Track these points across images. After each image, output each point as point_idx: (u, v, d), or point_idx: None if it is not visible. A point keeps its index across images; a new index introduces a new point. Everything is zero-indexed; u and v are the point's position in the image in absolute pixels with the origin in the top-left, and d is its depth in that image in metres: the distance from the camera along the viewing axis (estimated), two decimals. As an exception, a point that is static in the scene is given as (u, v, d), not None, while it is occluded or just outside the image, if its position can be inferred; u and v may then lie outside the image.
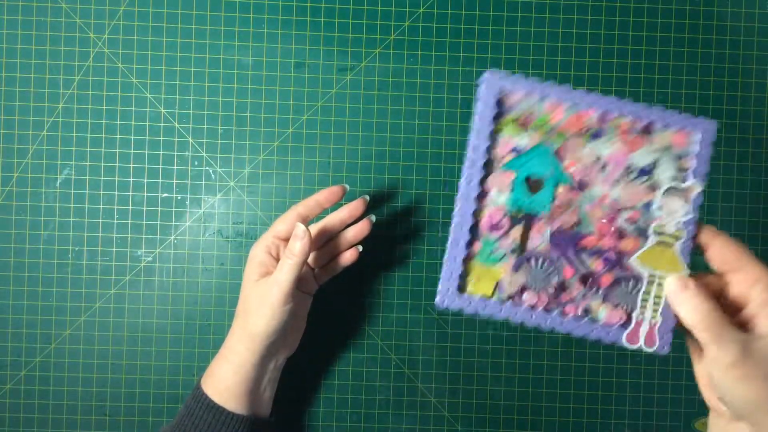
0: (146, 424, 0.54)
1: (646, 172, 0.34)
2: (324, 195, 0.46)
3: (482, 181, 0.34)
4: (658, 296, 0.34)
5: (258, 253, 0.45)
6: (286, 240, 0.45)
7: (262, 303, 0.43)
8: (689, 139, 0.34)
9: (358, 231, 0.48)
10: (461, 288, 0.34)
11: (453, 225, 0.34)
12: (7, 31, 0.53)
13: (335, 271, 0.49)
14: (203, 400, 0.45)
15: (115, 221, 0.54)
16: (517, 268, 0.34)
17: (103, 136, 0.53)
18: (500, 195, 0.34)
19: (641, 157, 0.34)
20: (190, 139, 0.54)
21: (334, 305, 0.53)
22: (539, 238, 0.34)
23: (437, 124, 0.54)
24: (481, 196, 0.34)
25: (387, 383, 0.54)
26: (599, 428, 0.54)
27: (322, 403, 0.54)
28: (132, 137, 0.54)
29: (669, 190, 0.34)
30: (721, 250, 0.34)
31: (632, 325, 0.34)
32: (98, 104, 0.53)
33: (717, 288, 0.35)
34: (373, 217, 0.49)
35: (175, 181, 0.54)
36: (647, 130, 0.34)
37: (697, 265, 0.35)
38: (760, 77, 0.54)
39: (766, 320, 0.32)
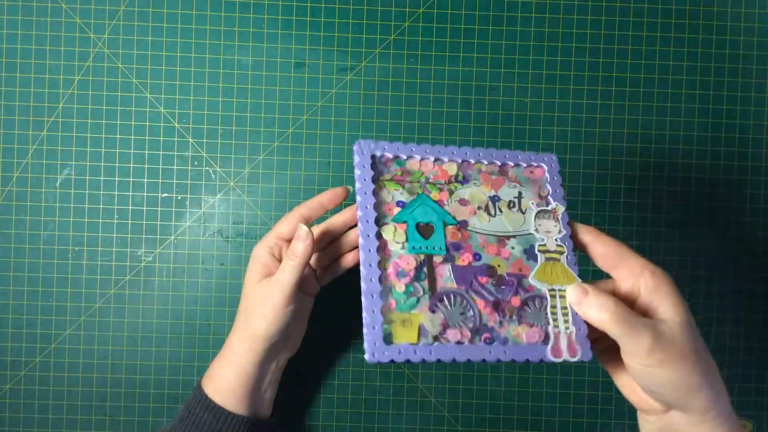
0: (146, 424, 0.54)
1: (515, 204, 0.39)
2: (327, 196, 0.45)
3: (378, 234, 0.37)
4: (564, 307, 0.36)
5: (260, 253, 0.45)
6: (289, 241, 0.45)
7: (264, 304, 0.43)
8: (542, 170, 0.41)
9: None
10: (387, 339, 0.35)
11: (362, 278, 0.35)
12: (7, 31, 0.53)
13: (337, 272, 0.49)
14: (204, 401, 0.45)
15: (115, 221, 0.54)
16: (433, 309, 0.36)
17: (103, 136, 0.53)
18: (398, 245, 0.37)
19: (505, 193, 0.40)
20: (190, 139, 0.54)
21: (334, 305, 0.53)
22: (444, 277, 0.37)
23: (437, 124, 0.54)
24: (381, 248, 0.36)
25: (387, 383, 0.54)
26: (599, 428, 0.54)
27: (322, 403, 0.54)
28: (132, 137, 0.54)
29: (539, 214, 0.39)
30: (602, 248, 0.37)
31: (552, 340, 0.36)
32: (98, 104, 0.53)
33: (609, 291, 0.36)
34: None
35: (175, 181, 0.54)
36: (503, 171, 0.40)
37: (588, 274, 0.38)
38: (760, 77, 0.54)
39: (660, 304, 0.34)
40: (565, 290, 0.36)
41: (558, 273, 0.37)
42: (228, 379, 0.45)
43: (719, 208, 0.54)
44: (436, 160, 0.40)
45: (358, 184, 0.38)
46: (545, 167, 0.41)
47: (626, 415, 0.54)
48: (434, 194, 0.39)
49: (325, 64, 0.54)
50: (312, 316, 0.49)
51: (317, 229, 0.47)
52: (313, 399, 0.54)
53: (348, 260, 0.49)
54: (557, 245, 0.38)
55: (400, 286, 0.36)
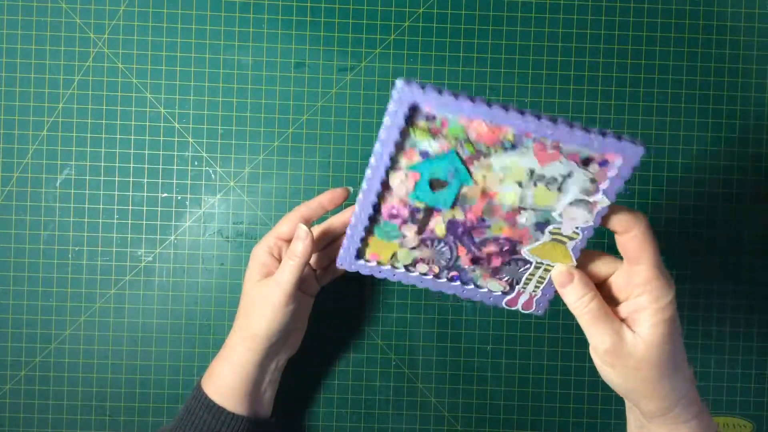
0: (146, 424, 0.54)
1: (556, 181, 0.34)
2: (327, 197, 0.46)
3: (388, 175, 0.35)
4: (542, 277, 0.37)
5: (260, 253, 0.45)
6: (288, 241, 0.45)
7: (264, 304, 0.43)
8: (614, 159, 0.33)
9: None
10: (360, 254, 0.38)
11: (359, 198, 0.36)
12: (7, 31, 0.53)
13: (337, 273, 0.49)
14: (203, 401, 0.45)
15: (115, 221, 0.54)
16: (412, 248, 0.37)
17: (103, 136, 0.53)
18: (403, 189, 0.35)
19: (553, 169, 0.34)
20: (190, 139, 0.54)
21: (334, 305, 0.53)
22: (436, 226, 0.36)
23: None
24: (385, 186, 0.35)
25: (387, 383, 0.54)
26: (599, 428, 0.54)
27: (322, 403, 0.54)
28: (132, 137, 0.54)
29: (576, 202, 0.34)
30: (631, 241, 0.34)
31: (513, 293, 0.38)
32: (98, 104, 0.53)
33: (605, 272, 0.37)
34: None
35: (175, 181, 0.54)
36: (566, 147, 0.33)
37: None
38: (760, 77, 0.54)
39: (642, 319, 0.34)
40: (552, 266, 0.36)
41: (557, 252, 0.36)
42: (228, 379, 0.45)
43: (719, 208, 0.54)
44: (491, 121, 0.33)
45: (384, 125, 0.33)
46: (620, 158, 0.33)
47: (626, 415, 0.54)
48: (468, 154, 0.34)
49: (325, 64, 0.54)
50: (312, 316, 0.49)
51: (317, 230, 0.47)
52: (313, 399, 0.54)
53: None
54: (574, 232, 0.35)
55: (387, 225, 0.37)
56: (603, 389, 0.54)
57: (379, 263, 0.38)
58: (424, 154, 0.34)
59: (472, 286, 0.38)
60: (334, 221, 0.47)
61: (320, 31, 0.54)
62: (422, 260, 0.38)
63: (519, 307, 0.38)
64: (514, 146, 0.33)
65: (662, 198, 0.54)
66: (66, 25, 0.53)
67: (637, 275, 0.35)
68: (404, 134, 0.33)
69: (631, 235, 0.34)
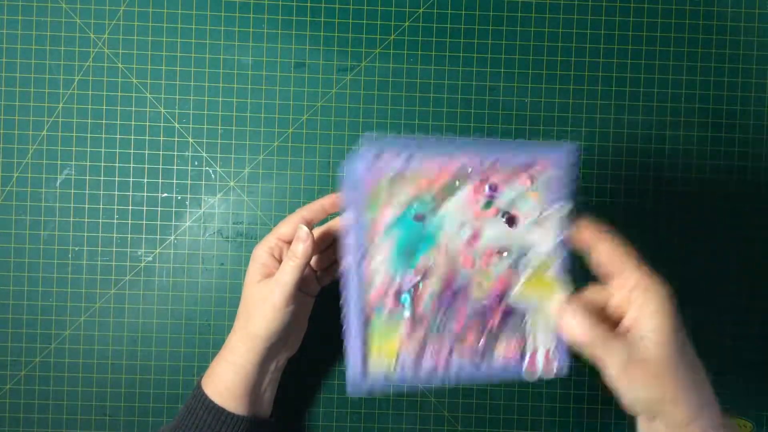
0: (146, 424, 0.54)
1: (511, 208, 0.35)
2: (329, 201, 0.45)
3: (360, 264, 0.36)
4: (545, 323, 0.36)
5: (260, 254, 0.45)
6: (289, 242, 0.45)
7: (264, 304, 0.43)
8: (553, 164, 0.35)
9: None
10: (365, 372, 0.36)
11: (345, 313, 0.36)
12: (7, 31, 0.53)
13: (337, 274, 0.49)
14: (203, 401, 0.45)
15: (115, 221, 0.54)
16: (412, 330, 0.36)
17: (103, 136, 0.53)
18: (381, 269, 0.36)
19: (505, 195, 0.35)
20: (190, 139, 0.54)
21: (334, 305, 0.53)
22: (425, 299, 0.36)
23: (437, 124, 0.54)
24: (365, 276, 0.36)
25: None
26: (599, 428, 0.54)
27: (322, 403, 0.54)
28: (132, 137, 0.54)
29: (537, 219, 0.35)
30: (603, 256, 0.35)
31: (528, 356, 0.36)
32: (98, 104, 0.53)
33: (602, 298, 0.36)
34: None
35: (175, 181, 0.54)
36: (510, 167, 0.35)
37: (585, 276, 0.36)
38: (760, 77, 0.54)
39: (644, 322, 0.34)
40: (547, 305, 0.36)
41: (545, 284, 0.36)
42: (228, 379, 0.45)
43: (719, 208, 0.54)
44: (435, 162, 0.35)
45: (345, 208, 0.36)
46: (558, 160, 0.35)
47: (626, 415, 0.54)
48: (423, 208, 0.36)
49: (325, 64, 0.54)
50: (312, 316, 0.49)
51: (318, 231, 0.47)
52: (313, 399, 0.54)
53: None
54: (549, 254, 0.36)
55: (379, 314, 0.36)
56: (603, 389, 0.54)
57: (386, 374, 0.36)
58: (387, 222, 0.36)
59: (485, 365, 0.36)
60: (335, 223, 0.47)
61: (320, 31, 0.54)
62: (426, 345, 0.37)
63: (540, 370, 0.36)
64: (460, 186, 0.35)
65: (662, 198, 0.54)
66: (66, 25, 0.53)
67: (626, 284, 0.35)
68: (367, 207, 0.35)
69: (601, 248, 0.35)
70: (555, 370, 0.36)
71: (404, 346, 0.36)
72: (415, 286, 0.36)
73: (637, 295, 0.34)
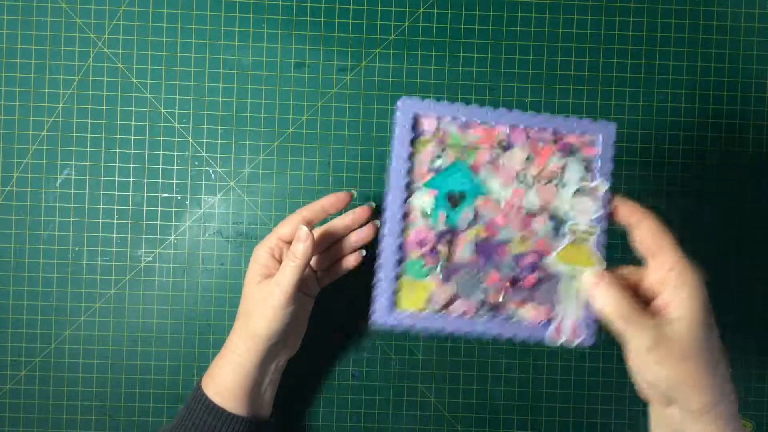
0: (146, 424, 0.54)
1: (556, 176, 0.37)
2: (330, 201, 0.45)
3: (406, 200, 0.37)
4: (577, 291, 0.36)
5: (261, 254, 0.45)
6: (289, 242, 0.45)
7: (264, 304, 0.43)
8: (593, 141, 0.37)
9: (362, 235, 0.48)
10: (394, 304, 0.37)
11: (382, 245, 0.37)
12: (7, 31, 0.53)
13: (338, 274, 0.49)
14: (203, 401, 0.45)
15: (115, 221, 0.54)
16: (446, 279, 0.37)
17: (103, 136, 0.53)
18: (424, 213, 0.37)
19: (550, 164, 0.37)
20: (190, 139, 0.54)
21: (334, 305, 0.53)
22: (464, 249, 0.37)
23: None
24: (406, 215, 0.37)
25: (387, 383, 0.54)
26: (599, 428, 0.54)
27: (322, 403, 0.54)
28: (132, 137, 0.54)
29: (577, 191, 0.37)
30: (646, 233, 0.36)
31: (556, 321, 0.37)
32: (98, 104, 0.53)
33: (635, 278, 0.37)
34: (378, 222, 0.49)
35: (175, 181, 0.54)
36: (554, 139, 0.37)
37: (615, 259, 0.37)
38: (760, 77, 0.54)
39: (677, 304, 0.34)
40: (583, 272, 0.36)
41: (581, 255, 0.36)
42: (228, 380, 0.45)
43: (719, 208, 0.54)
44: (482, 122, 0.37)
45: (395, 144, 0.36)
46: (599, 137, 0.37)
47: (626, 415, 0.54)
48: (473, 160, 0.37)
49: (325, 64, 0.54)
50: (312, 316, 0.49)
51: (318, 231, 0.47)
52: (313, 399, 0.54)
53: (349, 262, 0.49)
54: (589, 225, 0.36)
55: (416, 255, 0.37)
56: (603, 389, 0.54)
57: (415, 312, 0.37)
58: (435, 170, 0.37)
59: (513, 321, 0.37)
60: (336, 223, 0.47)
61: (320, 31, 0.54)
62: (457, 297, 0.37)
63: (566, 335, 0.37)
64: (510, 146, 0.37)
65: (662, 198, 0.54)
66: (66, 25, 0.53)
67: (663, 266, 0.35)
68: (413, 152, 0.37)
69: (645, 225, 0.36)
70: (579, 340, 0.36)
71: (436, 291, 0.37)
72: (456, 233, 0.37)
73: (672, 278, 0.35)
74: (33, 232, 0.53)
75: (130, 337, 0.54)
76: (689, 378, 0.33)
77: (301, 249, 0.42)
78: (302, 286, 0.47)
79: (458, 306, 0.37)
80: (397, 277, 0.37)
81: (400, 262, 0.37)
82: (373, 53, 0.54)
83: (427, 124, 0.37)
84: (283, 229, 0.45)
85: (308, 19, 0.54)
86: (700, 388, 0.34)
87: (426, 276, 0.37)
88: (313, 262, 0.48)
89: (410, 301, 0.37)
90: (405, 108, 0.36)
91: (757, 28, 0.54)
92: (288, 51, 0.54)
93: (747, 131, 0.54)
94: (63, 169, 0.53)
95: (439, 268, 0.37)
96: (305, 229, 0.43)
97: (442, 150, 0.37)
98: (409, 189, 0.37)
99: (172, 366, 0.54)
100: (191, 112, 0.54)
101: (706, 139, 0.54)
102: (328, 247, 0.48)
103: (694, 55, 0.54)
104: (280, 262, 0.45)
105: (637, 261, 0.38)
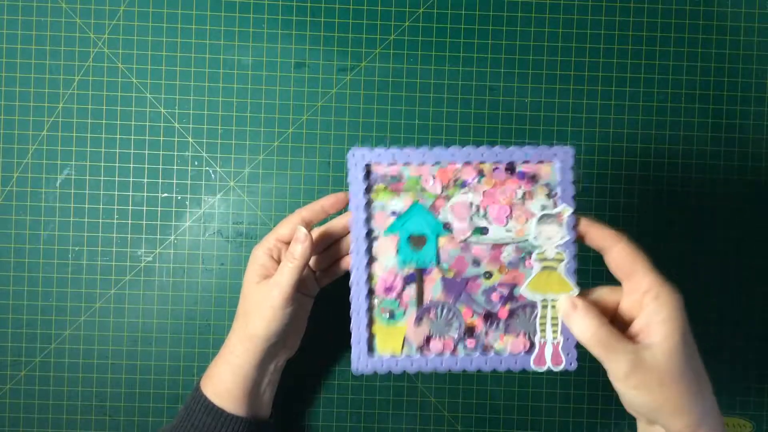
0: (146, 424, 0.54)
1: (516, 207, 0.37)
2: (330, 201, 0.45)
3: (369, 248, 0.37)
4: (554, 318, 0.37)
5: (259, 255, 0.45)
6: (288, 243, 0.45)
7: (262, 305, 0.43)
8: (552, 167, 0.37)
9: None
10: (372, 350, 0.38)
11: (351, 295, 0.38)
12: (7, 31, 0.53)
13: (337, 274, 0.49)
14: (202, 402, 0.45)
15: (115, 221, 0.54)
16: (418, 321, 0.38)
17: (103, 136, 0.53)
18: (389, 258, 0.38)
19: (509, 195, 0.37)
20: (190, 139, 0.54)
21: (334, 305, 0.53)
22: (433, 289, 0.37)
23: (437, 125, 0.54)
24: (372, 262, 0.38)
25: (387, 383, 0.54)
26: (599, 428, 0.54)
27: (322, 403, 0.54)
28: (132, 137, 0.54)
29: (542, 218, 0.36)
30: (618, 256, 0.35)
31: (537, 349, 0.37)
32: (98, 104, 0.53)
33: (612, 300, 0.37)
34: None
35: (175, 181, 0.54)
36: (510, 170, 0.37)
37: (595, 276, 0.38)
38: (760, 77, 0.54)
39: (654, 328, 0.34)
40: (557, 300, 0.36)
41: (553, 282, 0.37)
42: (226, 380, 0.45)
43: (719, 208, 0.54)
44: (435, 164, 0.37)
45: (350, 197, 0.38)
46: (557, 163, 0.37)
47: (626, 415, 0.54)
48: (430, 201, 0.37)
49: (325, 64, 0.54)
50: (311, 316, 0.49)
51: (317, 232, 0.47)
52: (313, 399, 0.54)
53: (348, 262, 0.48)
54: (557, 253, 0.37)
55: (386, 301, 0.37)
56: (603, 389, 0.54)
57: (393, 355, 0.38)
58: (394, 214, 0.37)
59: (493, 354, 0.37)
60: (335, 224, 0.47)
61: (320, 31, 0.54)
62: (432, 337, 0.38)
63: (549, 364, 0.37)
64: (465, 183, 0.37)
65: (663, 198, 0.54)
66: (66, 25, 0.53)
67: (638, 288, 0.35)
68: (369, 199, 0.37)
69: (617, 249, 0.35)
70: (564, 363, 0.37)
71: (409, 334, 0.38)
72: (423, 274, 0.37)
73: (648, 301, 0.34)
74: (33, 232, 0.53)
75: (130, 337, 0.54)
76: (668, 403, 0.33)
77: (299, 250, 0.42)
78: (301, 286, 0.47)
79: (436, 345, 0.37)
80: (370, 325, 0.38)
81: (370, 309, 0.38)
82: (373, 53, 0.54)
83: (382, 171, 0.37)
84: (282, 229, 0.45)
85: (308, 19, 0.54)
86: (680, 413, 0.34)
87: (399, 320, 0.37)
88: (312, 262, 0.48)
89: (387, 345, 0.38)
90: (357, 159, 0.37)
91: (757, 28, 0.54)
92: (288, 51, 0.54)
93: (747, 131, 0.54)
94: (63, 169, 0.53)
95: (410, 310, 0.37)
96: (303, 230, 0.42)
97: (399, 194, 0.37)
98: (371, 237, 0.38)
99: (172, 366, 0.54)
100: (191, 112, 0.54)
101: (706, 139, 0.54)
102: (327, 247, 0.48)
103: (694, 55, 0.54)
104: (278, 262, 0.45)
105: (615, 280, 0.37)
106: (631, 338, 0.35)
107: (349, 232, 0.48)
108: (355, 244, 0.38)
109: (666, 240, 0.54)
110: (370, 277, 0.38)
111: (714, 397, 0.36)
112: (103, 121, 0.53)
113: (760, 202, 0.54)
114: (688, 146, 0.54)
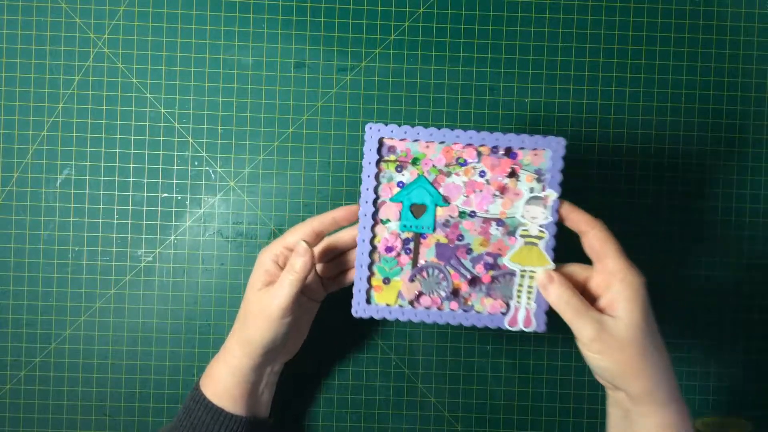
0: (146, 424, 0.54)
1: (509, 188, 0.42)
2: (341, 213, 0.45)
3: (376, 212, 0.42)
4: (530, 286, 0.42)
5: (264, 260, 0.45)
6: None
7: (261, 314, 0.43)
8: (544, 155, 0.42)
9: None
10: (370, 300, 0.43)
11: (357, 250, 0.43)
12: (7, 31, 0.53)
13: (343, 284, 0.48)
14: (201, 401, 0.45)
15: (115, 221, 0.54)
16: (412, 279, 0.43)
17: (103, 136, 0.53)
18: (392, 222, 0.43)
19: (503, 176, 0.42)
20: (190, 139, 0.54)
21: (334, 305, 0.53)
22: (428, 252, 0.43)
23: (437, 124, 0.54)
24: (376, 224, 0.43)
25: (387, 383, 0.54)
26: (599, 428, 0.54)
27: (322, 403, 0.54)
28: (132, 137, 0.54)
29: (530, 200, 0.42)
30: (593, 240, 0.41)
31: (511, 311, 0.42)
32: (98, 104, 0.53)
33: (583, 276, 0.42)
34: None
35: (175, 181, 0.54)
36: (507, 154, 0.42)
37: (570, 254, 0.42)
38: (760, 77, 0.54)
39: (618, 305, 0.39)
40: (535, 272, 0.41)
41: (533, 256, 0.42)
42: (225, 381, 0.45)
43: (719, 208, 0.54)
44: (440, 143, 0.42)
45: (363, 166, 0.42)
46: (549, 151, 0.41)
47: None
48: (433, 176, 0.42)
49: (325, 64, 0.54)
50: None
51: (323, 243, 0.46)
52: (313, 399, 0.54)
53: (354, 275, 0.48)
54: (539, 231, 0.41)
55: (385, 258, 0.43)
56: (603, 389, 0.54)
57: (387, 305, 0.43)
58: (400, 185, 0.42)
59: (473, 312, 0.43)
60: (343, 235, 0.46)
61: (320, 31, 0.54)
62: (423, 294, 0.43)
63: (521, 325, 0.42)
64: (466, 162, 0.42)
65: (663, 198, 0.54)
66: (66, 25, 0.53)
67: (607, 269, 0.40)
68: (380, 170, 0.42)
69: (593, 233, 0.40)
70: (534, 326, 0.42)
71: (405, 288, 0.43)
72: (420, 239, 0.43)
73: (614, 282, 0.39)
74: (33, 232, 0.53)
75: (130, 337, 0.54)
76: (627, 368, 0.38)
77: (299, 264, 0.42)
78: (307, 291, 0.47)
79: (425, 300, 0.43)
80: (370, 278, 0.43)
81: (372, 264, 0.43)
82: (373, 53, 0.54)
83: (392, 146, 0.42)
84: (290, 237, 0.44)
85: (308, 19, 0.54)
86: (637, 377, 0.39)
87: (395, 276, 0.43)
88: (319, 268, 0.48)
89: (383, 297, 0.43)
90: (371, 133, 0.42)
91: (757, 28, 0.54)
92: (288, 51, 0.54)
93: (747, 131, 0.54)
94: (63, 169, 0.53)
95: (406, 269, 0.43)
96: (304, 244, 0.43)
97: (406, 167, 0.42)
98: (377, 203, 0.42)
99: (172, 366, 0.54)
100: (191, 112, 0.54)
101: (707, 139, 0.54)
102: (335, 257, 0.48)
103: (694, 55, 0.54)
104: (282, 269, 0.45)
105: (588, 260, 0.42)
106: (599, 310, 0.40)
107: (356, 246, 0.48)
108: (363, 206, 0.42)
109: (665, 240, 0.54)
110: (374, 237, 0.43)
111: (672, 368, 0.40)
112: (103, 121, 0.53)
113: (760, 202, 0.54)
114: (688, 146, 0.54)
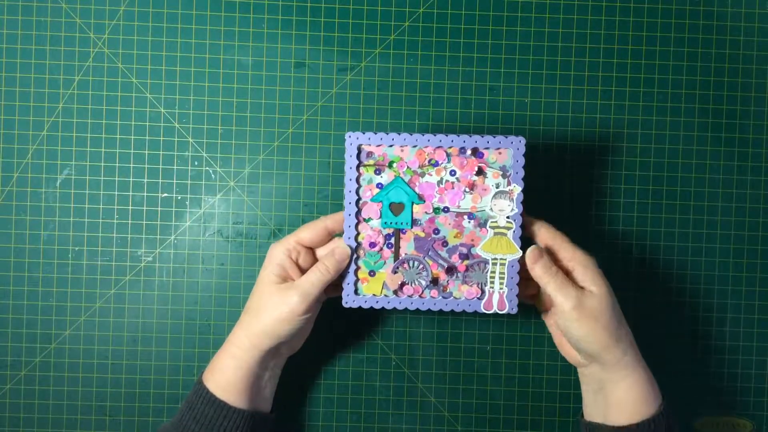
0: (146, 424, 0.54)
1: (478, 184, 0.46)
2: None
3: (359, 212, 0.46)
4: (501, 273, 0.46)
5: (277, 254, 0.46)
6: (308, 248, 0.47)
7: (281, 308, 0.44)
8: (507, 153, 0.46)
9: None
10: (358, 291, 0.47)
11: (344, 237, 0.46)
12: (7, 31, 0.53)
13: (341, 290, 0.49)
14: (204, 395, 0.45)
15: (115, 221, 0.54)
16: (395, 270, 0.47)
17: (103, 136, 0.53)
18: (373, 220, 0.46)
19: (471, 174, 0.46)
20: (190, 139, 0.54)
21: (334, 305, 0.53)
22: (408, 246, 0.47)
23: (437, 124, 0.54)
24: (360, 223, 0.46)
25: (387, 383, 0.54)
26: (599, 428, 0.54)
27: (322, 403, 0.54)
28: (132, 137, 0.54)
29: (496, 194, 0.45)
30: (545, 237, 0.46)
31: (486, 296, 0.46)
32: (98, 104, 0.53)
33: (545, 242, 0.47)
34: None
35: (175, 181, 0.54)
36: (475, 154, 0.46)
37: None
38: (760, 77, 0.54)
39: (586, 282, 0.45)
40: (505, 259, 0.45)
41: (503, 245, 0.45)
42: (229, 374, 0.45)
43: (719, 208, 0.54)
44: (413, 146, 0.46)
45: (345, 171, 0.46)
46: (511, 150, 0.45)
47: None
48: (408, 177, 0.46)
49: (325, 64, 0.54)
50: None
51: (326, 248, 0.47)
52: (313, 399, 0.54)
53: None
54: (507, 221, 0.45)
55: (370, 253, 0.47)
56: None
57: (374, 295, 0.47)
58: (379, 186, 0.46)
59: (452, 299, 0.47)
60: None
61: (320, 31, 0.54)
62: (406, 283, 0.47)
63: (495, 308, 0.46)
64: (438, 163, 0.46)
65: (663, 198, 0.54)
66: (66, 25, 0.53)
67: (564, 257, 0.45)
68: (360, 174, 0.46)
69: (542, 231, 0.46)
70: (507, 308, 0.45)
71: (389, 279, 0.47)
72: (401, 233, 0.47)
73: (574, 265, 0.45)
74: (33, 232, 0.53)
75: (130, 337, 0.54)
76: (602, 335, 0.43)
77: (335, 266, 0.45)
78: None
79: (408, 289, 0.47)
80: (357, 271, 0.47)
81: (358, 259, 0.46)
82: (373, 53, 0.54)
83: (370, 151, 0.46)
84: (304, 233, 0.46)
85: (308, 19, 0.54)
86: (610, 344, 0.43)
87: (379, 269, 0.47)
88: None
89: (370, 288, 0.47)
90: (350, 141, 0.45)
91: (757, 28, 0.54)
92: (288, 51, 0.54)
93: (747, 131, 0.54)
94: (63, 169, 0.53)
95: (389, 262, 0.47)
96: (348, 249, 0.45)
97: (384, 170, 0.46)
98: (360, 204, 0.46)
99: (172, 366, 0.54)
100: (191, 112, 0.54)
101: (706, 139, 0.54)
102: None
103: (694, 55, 0.54)
104: (296, 264, 0.46)
105: None
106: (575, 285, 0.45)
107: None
108: (347, 207, 0.46)
109: (666, 239, 0.54)
110: (358, 234, 0.46)
111: (632, 337, 0.46)
112: (103, 121, 0.53)
113: (760, 201, 0.54)
114: (688, 146, 0.54)
